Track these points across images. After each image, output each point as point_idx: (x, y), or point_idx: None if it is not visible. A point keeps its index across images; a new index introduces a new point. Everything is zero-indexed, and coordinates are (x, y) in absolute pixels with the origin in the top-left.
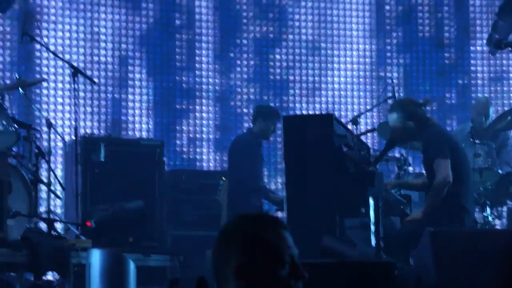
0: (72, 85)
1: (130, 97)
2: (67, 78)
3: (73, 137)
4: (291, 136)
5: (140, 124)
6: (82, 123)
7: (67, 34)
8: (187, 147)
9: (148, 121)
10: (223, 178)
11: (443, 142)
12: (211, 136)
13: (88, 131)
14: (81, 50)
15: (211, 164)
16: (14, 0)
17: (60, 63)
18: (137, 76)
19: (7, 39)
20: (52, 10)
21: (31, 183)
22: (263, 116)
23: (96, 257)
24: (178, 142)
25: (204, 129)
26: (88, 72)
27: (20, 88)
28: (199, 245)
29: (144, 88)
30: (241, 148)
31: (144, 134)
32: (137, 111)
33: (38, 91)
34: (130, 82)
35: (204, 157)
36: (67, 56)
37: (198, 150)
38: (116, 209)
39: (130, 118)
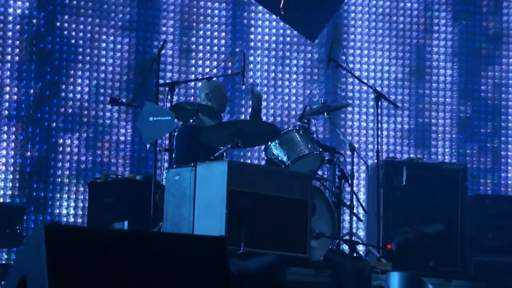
0: (376, 110)
1: (433, 120)
2: (371, 103)
3: (376, 161)
4: None
5: (443, 148)
6: (384, 147)
7: (372, 60)
8: (492, 172)
9: (451, 145)
10: None
11: None
12: None
13: (391, 155)
14: (385, 75)
15: None
16: (324, 27)
17: (364, 88)
18: (441, 100)
19: (315, 66)
20: (358, 37)
21: (334, 206)
22: None
23: (395, 280)
24: (482, 166)
25: (510, 182)
26: (392, 97)
27: (325, 113)
28: (503, 272)
29: (448, 112)
30: None
31: (447, 158)
32: (440, 135)
33: (342, 115)
34: (434, 106)
35: (510, 182)
36: (371, 81)
37: (503, 174)
38: (416, 232)
39: (433, 142)
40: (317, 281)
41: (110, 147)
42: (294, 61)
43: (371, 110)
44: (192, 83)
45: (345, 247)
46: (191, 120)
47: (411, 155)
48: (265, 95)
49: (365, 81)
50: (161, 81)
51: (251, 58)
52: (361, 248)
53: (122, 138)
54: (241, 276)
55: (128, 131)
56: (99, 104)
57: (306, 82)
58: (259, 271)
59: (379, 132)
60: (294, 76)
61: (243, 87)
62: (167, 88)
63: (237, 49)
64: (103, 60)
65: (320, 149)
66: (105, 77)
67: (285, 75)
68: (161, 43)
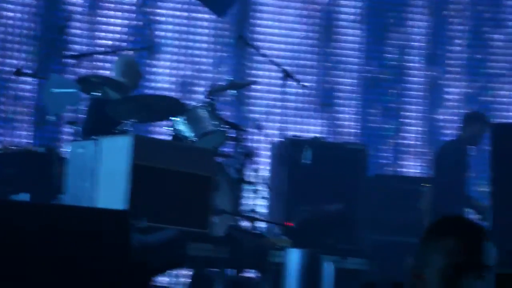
0: (282, 88)
1: (339, 108)
2: (278, 81)
3: (280, 139)
4: (498, 144)
5: (347, 136)
6: (289, 126)
7: (280, 38)
8: (393, 159)
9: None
10: (425, 184)
11: None
12: (418, 149)
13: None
14: (294, 54)
15: (414, 170)
16: (233, 3)
17: (272, 67)
18: (347, 88)
19: (221, 42)
20: (266, 15)
21: (236, 182)
22: (471, 122)
23: (294, 257)
24: (384, 154)
25: (411, 142)
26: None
27: (232, 90)
28: (397, 251)
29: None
30: (448, 155)
31: (351, 138)
32: (345, 122)
33: (248, 93)
34: (339, 94)
35: (407, 162)
36: (278, 60)
37: (403, 162)
38: (317, 210)
39: (337, 129)
40: (218, 257)
41: (13, 118)
42: (201, 37)
43: (277, 89)
44: (100, 56)
45: (246, 224)
46: (96, 94)
47: (316, 135)
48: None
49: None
50: (68, 53)
51: (159, 33)
52: (261, 225)
53: (25, 110)
54: (142, 250)
55: (32, 102)
56: (3, 74)
57: (214, 59)
58: (160, 245)
59: (285, 111)
60: (202, 53)
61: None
62: (73, 60)
63: (144, 23)
64: (9, 29)
65: (226, 126)
66: (11, 47)
67: (194, 51)
68: (68, 14)
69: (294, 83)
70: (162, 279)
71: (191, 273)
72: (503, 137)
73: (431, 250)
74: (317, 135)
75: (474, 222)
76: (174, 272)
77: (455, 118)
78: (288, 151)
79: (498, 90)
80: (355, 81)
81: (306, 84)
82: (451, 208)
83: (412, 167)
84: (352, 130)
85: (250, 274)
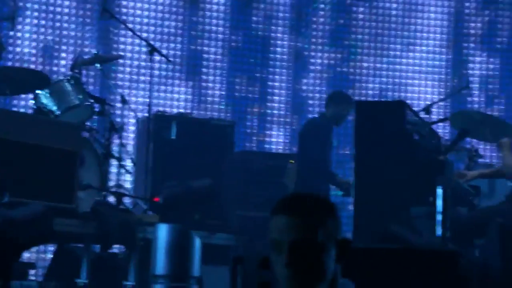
0: (148, 63)
1: (204, 77)
2: (143, 56)
3: (146, 114)
4: (362, 122)
5: (212, 105)
6: (155, 101)
7: (146, 13)
8: (258, 129)
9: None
10: (291, 161)
11: None
12: (282, 119)
13: (161, 109)
14: (159, 29)
15: (280, 147)
16: None
17: (137, 40)
18: (212, 57)
19: (87, 15)
20: None
21: (102, 157)
22: (336, 102)
23: (162, 232)
24: (249, 123)
25: (275, 111)
26: (164, 51)
27: (97, 64)
28: (264, 226)
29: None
30: (312, 132)
31: (216, 115)
32: (209, 98)
33: (114, 67)
34: (205, 63)
35: (274, 139)
36: (144, 34)
37: (268, 132)
38: (184, 186)
39: (203, 98)
40: (84, 232)
41: None
42: (66, 10)
43: (143, 63)
44: None
45: (113, 199)
46: None
47: (181, 110)
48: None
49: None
50: None
51: (22, 3)
52: (128, 200)
53: None
54: (6, 225)
55: None
56: None
57: (78, 32)
58: (25, 220)
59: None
60: (65, 25)
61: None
62: None
63: None
64: None
65: (91, 100)
66: None
67: (55, 23)
68: None
69: (160, 57)
70: (28, 255)
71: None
72: (367, 114)
73: (269, 227)
74: (182, 110)
75: (319, 199)
76: (41, 247)
77: (318, 88)
78: (154, 126)
79: (360, 61)
80: (220, 50)
81: (171, 59)
82: (316, 185)
83: (276, 136)
84: (217, 99)
85: (117, 249)
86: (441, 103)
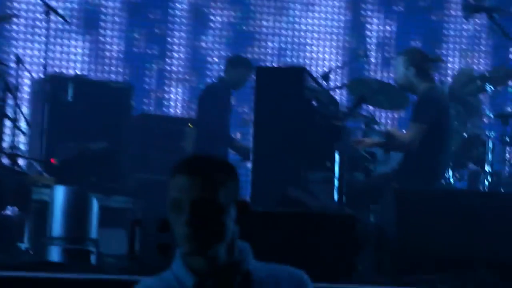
0: (44, 23)
1: (101, 38)
2: (40, 16)
3: (42, 75)
4: (262, 87)
5: (109, 67)
6: (51, 62)
7: None
8: (156, 86)
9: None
10: (189, 124)
11: (431, 104)
12: (181, 76)
13: (57, 69)
14: None
15: (179, 110)
16: None
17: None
18: (111, 18)
19: None
20: None
21: None
22: (234, 66)
23: (59, 194)
24: (147, 86)
25: (174, 75)
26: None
27: None
28: (163, 189)
29: (117, 31)
30: (211, 96)
31: (114, 71)
32: (107, 53)
33: (8, 27)
34: (102, 24)
35: (172, 103)
36: None
37: (167, 95)
38: (80, 148)
39: (100, 60)
40: None
41: None
42: None
43: (39, 24)
44: None
45: (7, 161)
46: None
47: (77, 71)
48: None
49: None
50: None
51: None
52: (22, 162)
53: None
54: None
55: None
56: None
57: None
58: None
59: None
60: None
61: None
62: None
63: None
64: None
65: None
66: None
67: None
68: None
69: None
70: None
71: None
72: (266, 80)
73: (169, 186)
74: (79, 68)
75: (219, 161)
76: None
77: (218, 46)
78: (50, 88)
79: (259, 20)
80: (119, 5)
81: (68, 20)
82: (214, 149)
83: (175, 93)
84: (115, 54)
85: (11, 212)
86: (339, 70)
